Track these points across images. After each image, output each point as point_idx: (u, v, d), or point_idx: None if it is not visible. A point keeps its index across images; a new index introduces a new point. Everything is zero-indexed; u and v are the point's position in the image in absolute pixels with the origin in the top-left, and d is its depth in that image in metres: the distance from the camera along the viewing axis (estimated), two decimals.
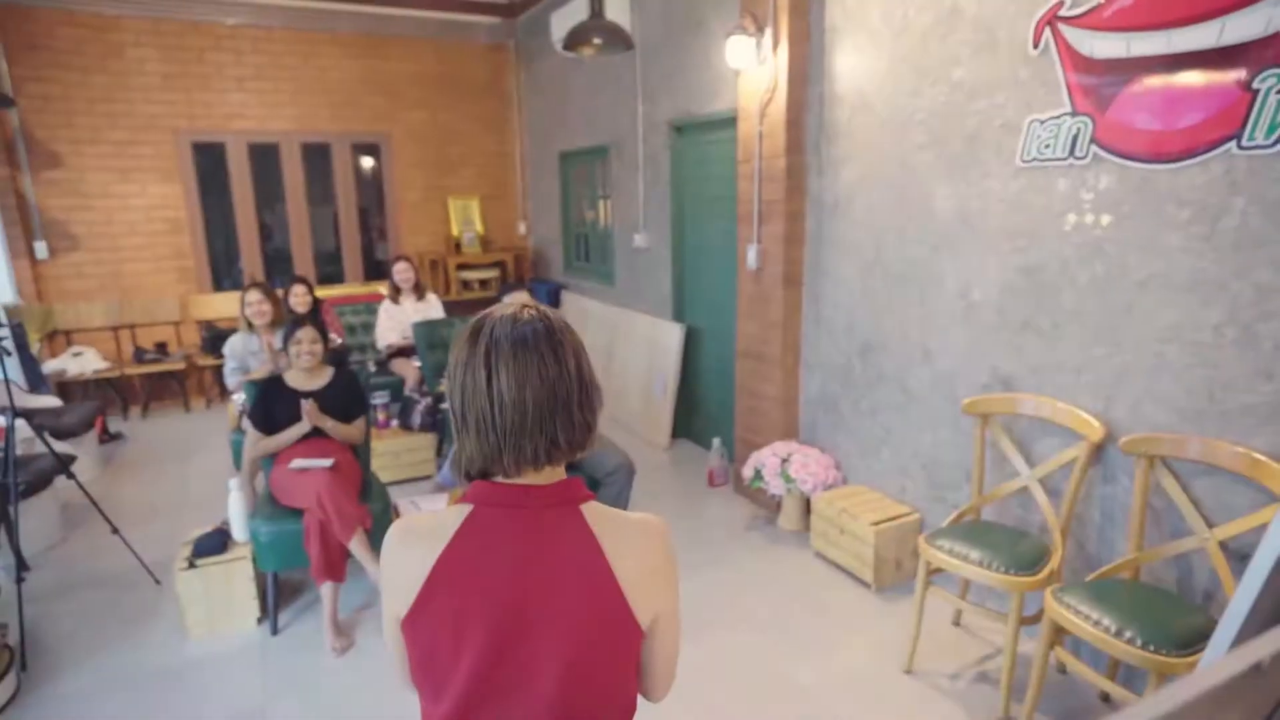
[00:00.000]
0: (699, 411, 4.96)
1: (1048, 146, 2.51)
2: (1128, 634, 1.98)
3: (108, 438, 5.29)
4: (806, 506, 3.66)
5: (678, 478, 4.52)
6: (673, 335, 4.88)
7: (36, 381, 5.11)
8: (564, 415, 1.00)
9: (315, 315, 4.72)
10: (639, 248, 5.26)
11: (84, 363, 5.52)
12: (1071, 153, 2.45)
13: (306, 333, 3.17)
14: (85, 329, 5.77)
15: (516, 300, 1.05)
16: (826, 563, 3.41)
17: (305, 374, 3.23)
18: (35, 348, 5.24)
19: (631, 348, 5.40)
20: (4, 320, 2.97)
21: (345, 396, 3.26)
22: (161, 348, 5.85)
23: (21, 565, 3.48)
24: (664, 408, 4.96)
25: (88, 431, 4.57)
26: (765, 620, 2.99)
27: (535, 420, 0.98)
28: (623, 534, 1.02)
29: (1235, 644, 0.61)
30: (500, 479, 1.03)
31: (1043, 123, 2.52)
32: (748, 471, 3.73)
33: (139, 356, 5.74)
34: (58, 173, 5.57)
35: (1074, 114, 2.42)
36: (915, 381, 3.16)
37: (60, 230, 5.64)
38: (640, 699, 1.13)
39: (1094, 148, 2.38)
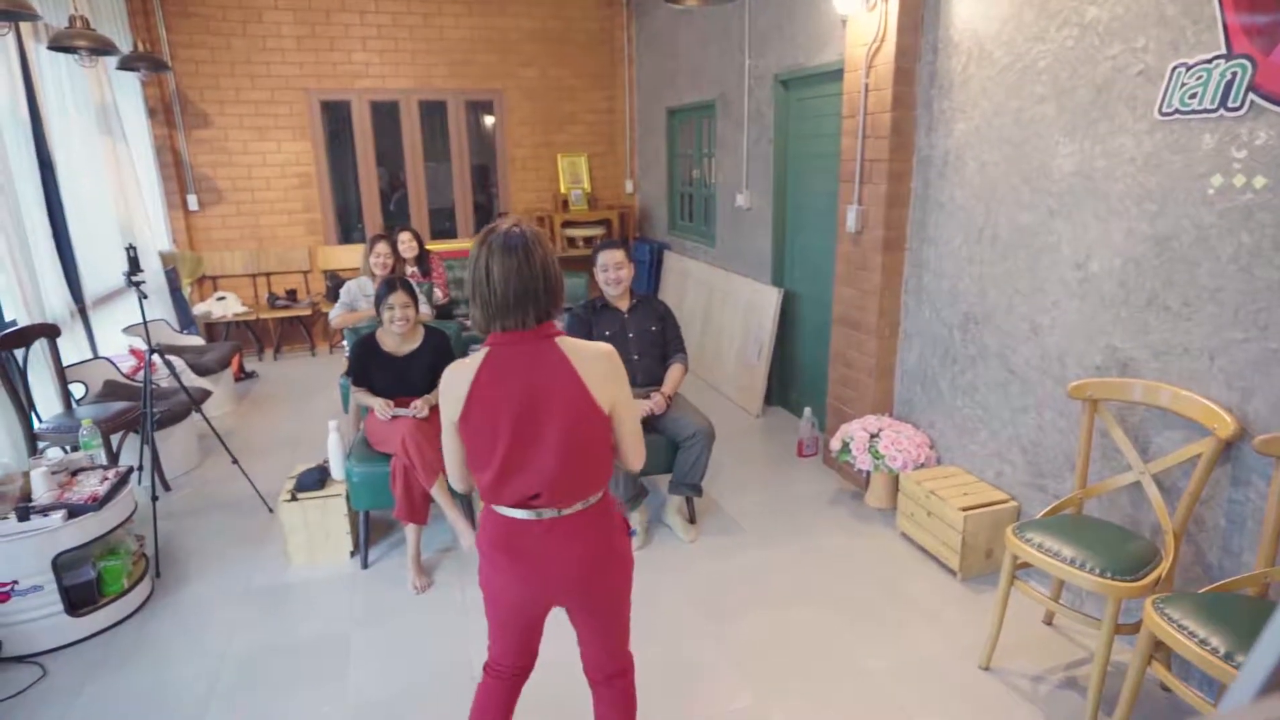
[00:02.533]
0: (794, 379, 4.81)
1: (1194, 96, 2.17)
2: (1239, 658, 1.74)
3: (243, 375, 5.82)
4: (896, 484, 3.48)
5: (767, 445, 4.42)
6: (770, 299, 4.73)
7: (186, 322, 5.67)
8: (533, 300, 1.51)
9: (422, 262, 4.92)
10: (740, 208, 5.10)
11: (226, 306, 6.06)
12: (1223, 103, 2.10)
13: (398, 297, 3.16)
14: (228, 275, 6.32)
15: (511, 218, 1.56)
16: (911, 545, 3.23)
17: (397, 338, 3.28)
18: (186, 291, 5.81)
19: (728, 311, 5.29)
20: (143, 266, 3.30)
21: (434, 360, 3.31)
22: (291, 295, 6.32)
23: (164, 486, 3.93)
24: (758, 374, 4.84)
25: (225, 369, 5.02)
26: (839, 598, 2.89)
27: (515, 302, 1.49)
28: (583, 354, 1.55)
29: (1260, 694, 0.50)
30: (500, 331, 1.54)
31: (1189, 68, 2.18)
32: (835, 444, 3.58)
33: (272, 302, 6.23)
34: (206, 131, 6.07)
35: (1229, 57, 2.08)
36: (1020, 359, 2.89)
37: (208, 185, 6.17)
38: None
39: (1252, 96, 2.03)
